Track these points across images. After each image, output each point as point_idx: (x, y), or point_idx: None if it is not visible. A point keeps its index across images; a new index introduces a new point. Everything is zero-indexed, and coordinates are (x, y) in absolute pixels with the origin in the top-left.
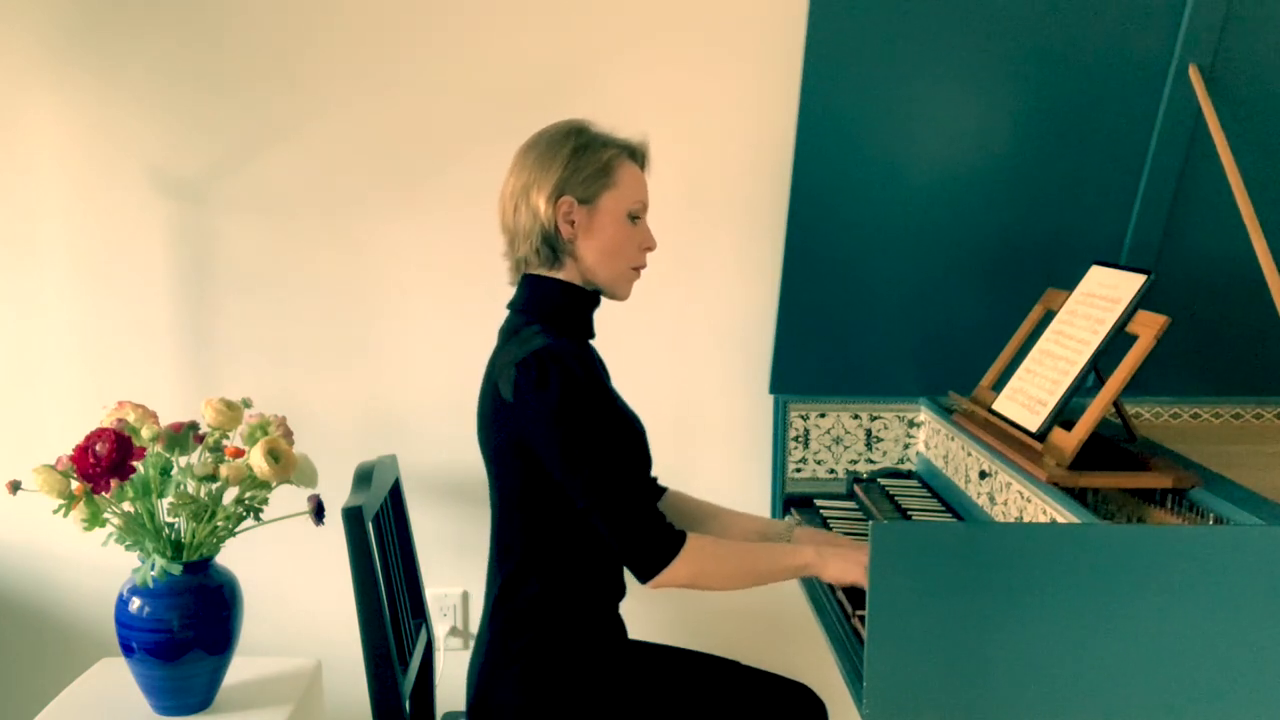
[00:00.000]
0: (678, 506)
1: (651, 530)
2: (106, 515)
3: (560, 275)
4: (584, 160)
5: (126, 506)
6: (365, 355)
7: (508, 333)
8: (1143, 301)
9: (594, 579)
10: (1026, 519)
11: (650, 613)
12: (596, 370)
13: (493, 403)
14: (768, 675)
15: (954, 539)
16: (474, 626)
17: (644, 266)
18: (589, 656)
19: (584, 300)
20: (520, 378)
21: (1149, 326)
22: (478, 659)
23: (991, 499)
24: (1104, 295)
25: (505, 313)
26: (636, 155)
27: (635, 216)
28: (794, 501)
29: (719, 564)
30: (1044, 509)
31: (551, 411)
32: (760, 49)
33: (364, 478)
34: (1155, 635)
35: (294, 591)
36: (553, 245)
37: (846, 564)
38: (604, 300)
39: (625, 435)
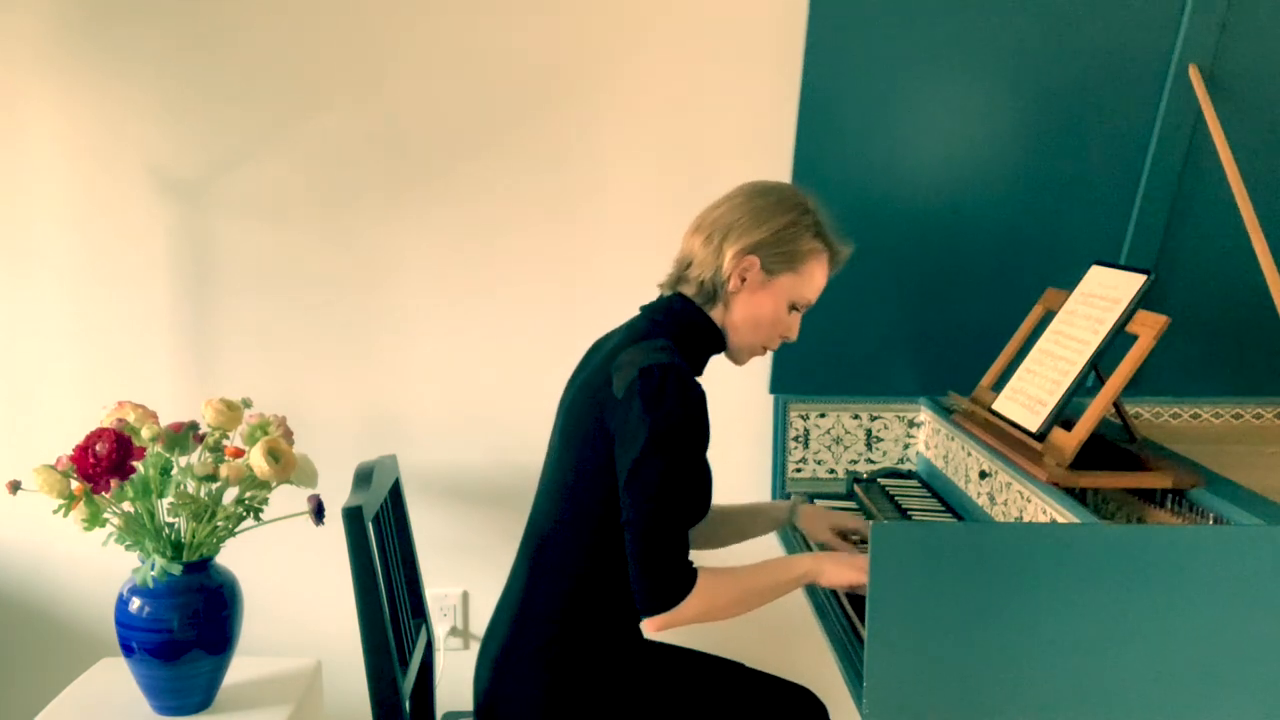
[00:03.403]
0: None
1: (673, 568)
2: (106, 515)
3: (708, 310)
4: (791, 237)
5: (126, 506)
6: (365, 355)
7: (635, 333)
8: (1143, 301)
9: (629, 586)
10: (1026, 519)
11: None
12: (707, 411)
13: (598, 390)
14: (770, 678)
15: (954, 539)
16: (474, 626)
17: (774, 349)
18: (607, 655)
19: (716, 341)
20: (640, 382)
21: (1149, 326)
22: (491, 653)
23: (991, 499)
24: (1104, 295)
25: (502, 312)
26: (835, 259)
27: (795, 308)
28: None
29: (723, 598)
30: (1044, 509)
31: (651, 428)
32: (760, 48)
33: (364, 478)
34: (1155, 635)
35: (294, 591)
36: (716, 287)
37: (840, 567)
38: (607, 295)
39: (699, 482)
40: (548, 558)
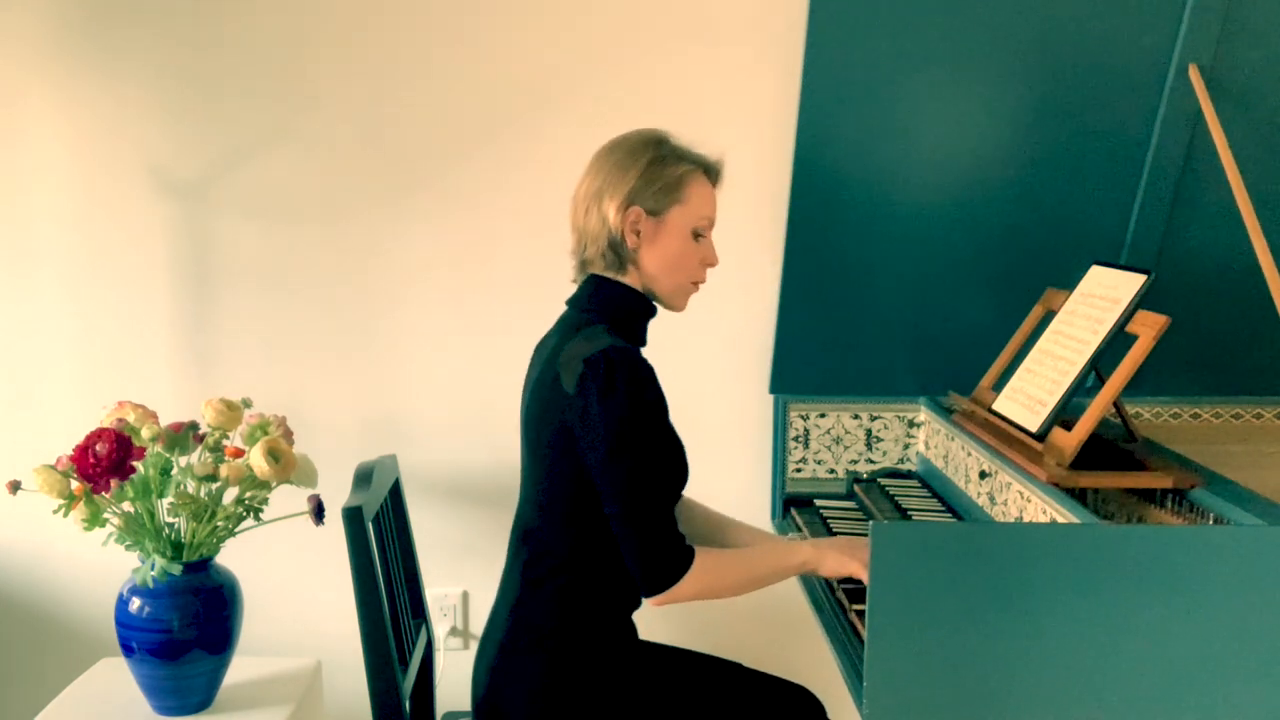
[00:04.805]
0: (690, 515)
1: (666, 548)
2: (106, 515)
3: (624, 280)
4: (658, 173)
5: (126, 506)
6: (366, 355)
7: (569, 327)
8: (1143, 301)
9: (619, 579)
10: (1026, 519)
11: (655, 612)
12: (658, 382)
13: (550, 391)
14: (768, 677)
15: (954, 539)
16: (474, 626)
17: (703, 281)
18: (604, 654)
19: (644, 307)
20: (588, 374)
21: (1149, 326)
22: (489, 651)
23: (991, 499)
24: (1104, 295)
25: (501, 312)
26: (711, 172)
27: (700, 234)
28: (794, 501)
29: (723, 577)
30: (1044, 509)
31: (611, 417)
32: (760, 48)
33: (364, 478)
34: (1155, 635)
35: (294, 591)
36: (618, 251)
37: (843, 556)
38: None
39: (671, 451)
40: (534, 559)
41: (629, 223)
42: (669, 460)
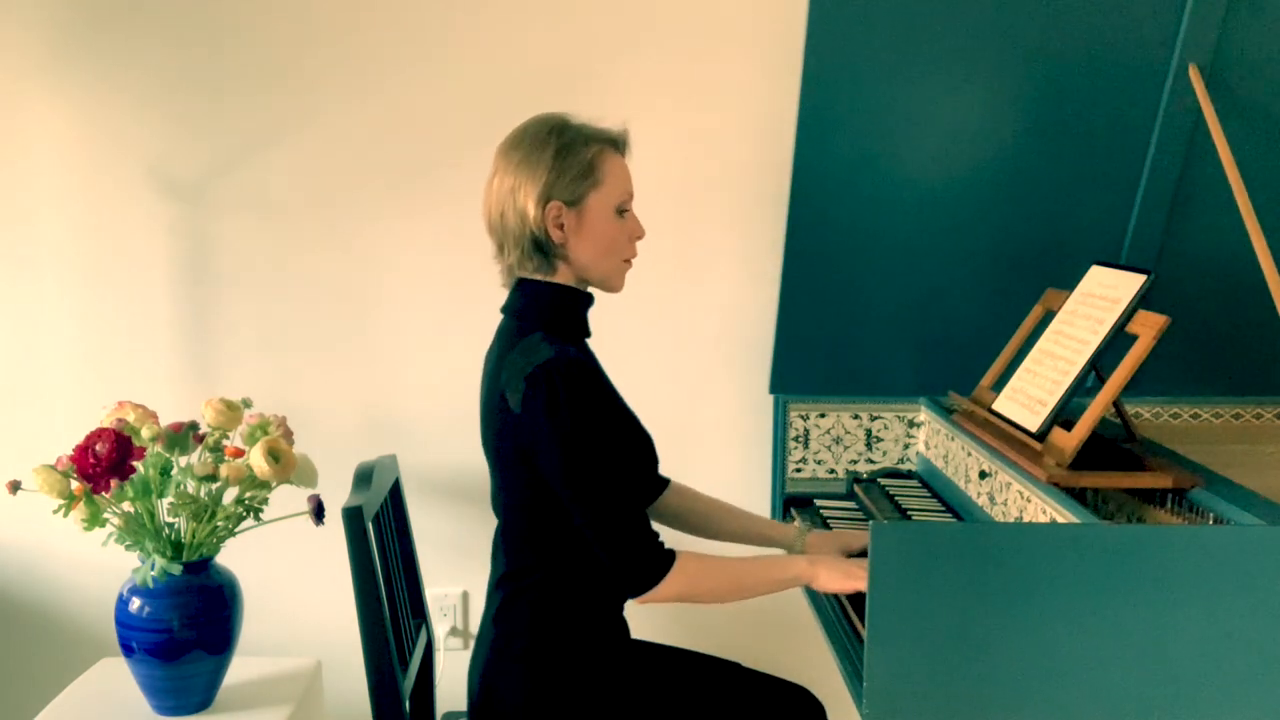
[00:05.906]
0: (682, 502)
1: (642, 551)
2: (106, 515)
3: (554, 279)
4: (568, 161)
5: (126, 506)
6: (365, 355)
7: (507, 337)
8: (1143, 301)
9: (596, 579)
10: (1026, 519)
11: (652, 612)
12: (604, 380)
13: (500, 411)
14: (767, 678)
15: (954, 539)
16: (474, 626)
17: (635, 256)
18: (593, 656)
19: (580, 302)
20: (529, 392)
21: (1149, 326)
22: (480, 657)
23: (991, 499)
24: (1104, 295)
25: (499, 312)
26: (619, 145)
27: (623, 210)
28: (794, 501)
29: (708, 582)
30: (1044, 509)
31: (560, 434)
32: (760, 48)
33: (364, 478)
34: (1155, 635)
35: (294, 591)
36: (543, 249)
37: (835, 574)
38: (604, 299)
39: (631, 446)
40: (510, 565)
41: (550, 218)
42: (630, 459)
